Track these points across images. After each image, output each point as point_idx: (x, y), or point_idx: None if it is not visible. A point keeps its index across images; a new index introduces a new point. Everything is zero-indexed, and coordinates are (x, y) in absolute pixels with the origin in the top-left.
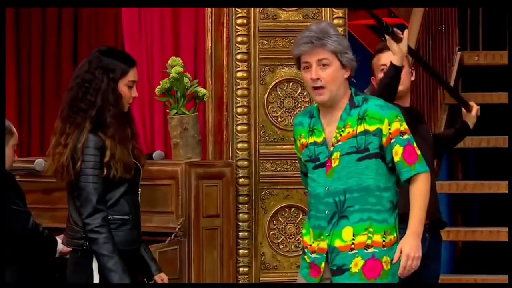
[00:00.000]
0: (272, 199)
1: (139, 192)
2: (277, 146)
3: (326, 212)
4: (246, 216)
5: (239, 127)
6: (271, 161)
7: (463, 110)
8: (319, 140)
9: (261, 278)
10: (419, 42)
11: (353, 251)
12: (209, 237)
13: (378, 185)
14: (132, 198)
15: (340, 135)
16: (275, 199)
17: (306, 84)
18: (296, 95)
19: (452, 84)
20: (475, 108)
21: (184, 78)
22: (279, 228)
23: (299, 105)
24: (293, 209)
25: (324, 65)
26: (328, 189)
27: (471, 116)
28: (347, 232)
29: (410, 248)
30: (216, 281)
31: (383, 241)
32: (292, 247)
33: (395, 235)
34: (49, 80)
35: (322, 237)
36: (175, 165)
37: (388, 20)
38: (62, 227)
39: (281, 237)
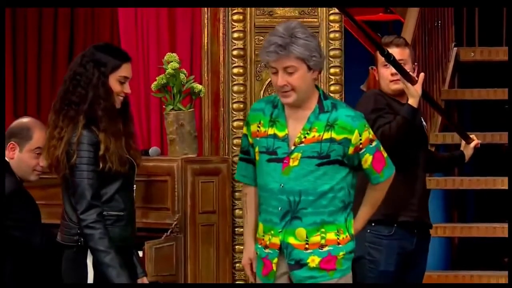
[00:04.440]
0: None
1: (134, 188)
2: None
3: (279, 208)
4: (242, 212)
5: (235, 123)
6: None
7: (463, 141)
8: (281, 134)
9: None
10: (415, 38)
11: (308, 250)
12: (205, 233)
13: (332, 188)
14: (127, 194)
15: (305, 137)
16: None
17: (274, 87)
18: None
19: (448, 80)
20: (475, 141)
21: (180, 74)
22: None
23: None
24: None
25: (290, 72)
26: (283, 186)
27: (469, 147)
28: (300, 233)
29: None
30: (212, 277)
31: (337, 238)
32: None
33: (347, 234)
34: (45, 78)
35: (273, 232)
36: (171, 161)
37: (384, 16)
38: (59, 223)
39: None
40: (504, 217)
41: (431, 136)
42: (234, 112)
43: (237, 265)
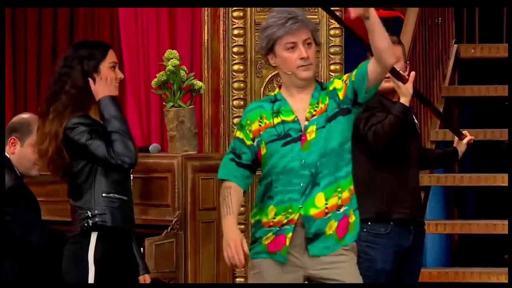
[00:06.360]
0: None
1: (131, 178)
2: None
3: (301, 184)
4: (242, 209)
5: (235, 120)
6: None
7: (456, 138)
8: (290, 118)
9: None
10: (416, 35)
11: (328, 215)
12: (206, 230)
13: (340, 142)
14: (126, 182)
15: (315, 110)
16: None
17: (289, 64)
18: None
19: (448, 77)
20: (467, 138)
21: (181, 71)
22: None
23: None
24: None
25: (308, 44)
26: (304, 161)
27: (462, 144)
28: (319, 199)
29: None
30: (212, 273)
31: (349, 196)
32: None
33: (350, 187)
34: (45, 78)
35: (291, 210)
36: (171, 158)
37: (384, 13)
38: (59, 220)
39: None
40: (504, 214)
41: (431, 133)
42: (234, 109)
43: None
